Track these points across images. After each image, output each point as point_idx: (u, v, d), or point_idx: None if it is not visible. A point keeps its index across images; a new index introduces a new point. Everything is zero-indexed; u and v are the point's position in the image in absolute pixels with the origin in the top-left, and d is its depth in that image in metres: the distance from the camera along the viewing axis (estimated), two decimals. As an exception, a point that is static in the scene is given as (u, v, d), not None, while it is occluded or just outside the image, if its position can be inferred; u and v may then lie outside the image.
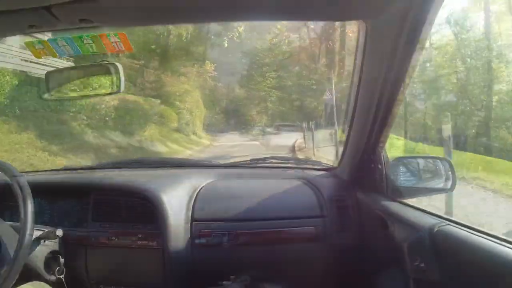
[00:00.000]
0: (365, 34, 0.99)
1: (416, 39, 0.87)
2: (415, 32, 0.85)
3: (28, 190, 1.04)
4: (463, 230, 0.86)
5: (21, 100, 7.47)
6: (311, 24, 15.98)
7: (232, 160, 2.05)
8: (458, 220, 0.93)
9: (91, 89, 1.02)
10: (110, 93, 0.98)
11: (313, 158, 6.77)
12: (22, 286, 1.08)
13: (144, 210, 1.27)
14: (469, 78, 9.66)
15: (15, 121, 7.27)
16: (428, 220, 0.98)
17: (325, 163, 1.69)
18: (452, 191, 1.23)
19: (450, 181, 1.24)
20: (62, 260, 1.21)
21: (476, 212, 3.79)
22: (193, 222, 1.28)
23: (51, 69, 1.07)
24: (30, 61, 7.99)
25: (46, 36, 0.88)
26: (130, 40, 0.87)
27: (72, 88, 1.01)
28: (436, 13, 0.82)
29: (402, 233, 0.98)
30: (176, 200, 1.30)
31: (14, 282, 0.98)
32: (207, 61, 16.46)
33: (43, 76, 1.02)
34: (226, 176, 1.58)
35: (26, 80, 7.79)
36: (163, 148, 10.53)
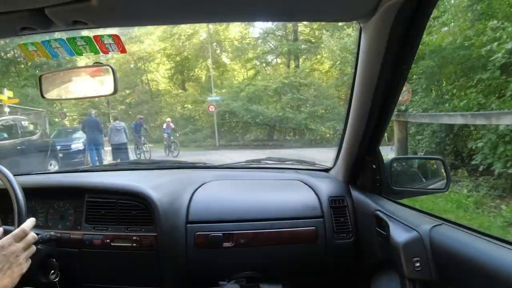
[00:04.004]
0: (359, 35, 0.99)
1: (409, 39, 0.86)
2: (408, 32, 0.84)
3: (21, 194, 1.02)
4: (459, 229, 0.86)
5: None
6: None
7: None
8: (453, 220, 0.92)
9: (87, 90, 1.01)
10: (106, 95, 0.97)
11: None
12: None
13: (139, 211, 1.25)
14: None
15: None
16: (424, 220, 0.97)
17: (320, 164, 1.68)
18: (447, 191, 1.23)
19: (445, 180, 1.24)
20: (56, 263, 1.19)
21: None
22: (189, 224, 1.26)
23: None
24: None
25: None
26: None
27: (69, 89, 1.00)
28: (428, 13, 0.82)
29: (397, 233, 0.97)
30: (172, 202, 1.28)
31: None
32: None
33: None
34: (222, 177, 1.57)
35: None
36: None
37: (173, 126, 12.18)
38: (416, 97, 6.37)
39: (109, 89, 0.96)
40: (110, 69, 0.95)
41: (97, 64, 0.96)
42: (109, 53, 0.87)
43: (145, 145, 10.63)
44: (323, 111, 14.32)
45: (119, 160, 8.47)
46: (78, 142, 9.34)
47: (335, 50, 13.83)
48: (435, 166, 1.36)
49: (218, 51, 19.48)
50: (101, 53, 0.87)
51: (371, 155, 1.22)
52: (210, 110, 14.25)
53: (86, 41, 0.85)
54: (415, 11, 0.79)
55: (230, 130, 15.62)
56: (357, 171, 1.32)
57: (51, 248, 1.20)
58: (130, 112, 17.94)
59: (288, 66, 16.91)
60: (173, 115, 16.11)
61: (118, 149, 8.72)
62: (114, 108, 19.16)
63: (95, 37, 0.85)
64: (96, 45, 0.86)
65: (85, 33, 0.86)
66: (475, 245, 0.77)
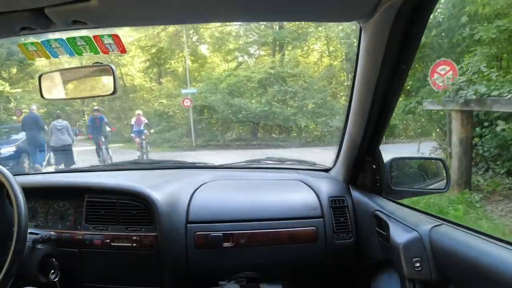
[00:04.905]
0: (359, 35, 1.06)
1: (409, 39, 0.93)
2: (407, 32, 0.91)
3: (21, 194, 1.06)
4: (458, 229, 0.93)
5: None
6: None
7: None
8: (453, 220, 1.00)
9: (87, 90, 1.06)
10: (106, 95, 1.03)
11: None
12: None
13: (139, 211, 1.32)
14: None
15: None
16: (424, 220, 1.05)
17: (320, 164, 1.77)
18: (447, 191, 1.34)
19: (445, 181, 1.35)
20: (56, 263, 1.24)
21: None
22: (189, 224, 1.33)
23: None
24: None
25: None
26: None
27: (69, 89, 1.05)
28: (428, 13, 0.89)
29: (397, 233, 1.05)
30: (172, 201, 1.35)
31: None
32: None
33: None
34: (222, 177, 1.64)
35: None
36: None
37: (146, 121, 10.11)
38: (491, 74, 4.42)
39: (109, 89, 1.02)
40: (110, 69, 1.01)
41: (97, 64, 1.02)
42: (109, 53, 0.93)
43: (109, 150, 8.75)
44: (314, 105, 13.61)
45: (62, 165, 7.66)
46: (10, 145, 8.05)
47: (342, 24, 12.92)
48: (434, 166, 1.47)
49: (195, 40, 19.20)
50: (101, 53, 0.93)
51: (371, 155, 1.31)
52: (185, 104, 13.29)
53: (86, 41, 0.90)
54: (415, 11, 0.85)
55: (209, 127, 14.82)
56: (357, 171, 1.41)
57: (51, 248, 1.27)
58: (103, 109, 17.30)
59: (274, 55, 16.51)
60: (147, 111, 15.41)
61: (60, 152, 7.70)
62: (88, 105, 18.52)
63: (95, 37, 0.90)
64: (96, 45, 0.91)
65: (85, 33, 0.91)
66: (475, 245, 0.84)
